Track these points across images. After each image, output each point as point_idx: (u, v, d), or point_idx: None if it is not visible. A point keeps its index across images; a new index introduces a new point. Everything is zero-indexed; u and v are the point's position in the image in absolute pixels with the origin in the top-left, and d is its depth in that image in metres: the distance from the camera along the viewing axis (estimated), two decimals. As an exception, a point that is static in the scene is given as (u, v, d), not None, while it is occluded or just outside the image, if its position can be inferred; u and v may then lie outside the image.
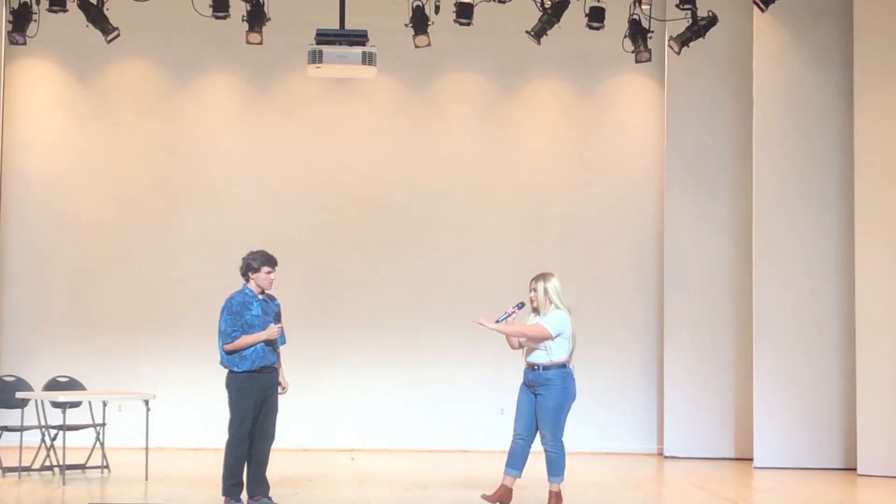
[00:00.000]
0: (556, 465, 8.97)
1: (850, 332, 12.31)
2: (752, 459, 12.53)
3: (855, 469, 11.99)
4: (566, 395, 8.95)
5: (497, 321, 9.09)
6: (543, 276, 9.06)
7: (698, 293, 13.40)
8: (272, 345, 8.98)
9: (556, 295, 8.99)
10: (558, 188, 13.87)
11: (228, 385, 8.93)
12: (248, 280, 9.01)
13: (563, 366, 8.95)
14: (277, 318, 9.01)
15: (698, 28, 12.05)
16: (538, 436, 9.02)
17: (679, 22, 12.07)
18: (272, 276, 9.00)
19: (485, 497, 8.98)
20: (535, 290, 9.02)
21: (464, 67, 13.89)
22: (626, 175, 13.91)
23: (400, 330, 13.65)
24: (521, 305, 9.09)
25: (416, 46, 12.22)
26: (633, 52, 12.22)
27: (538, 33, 12.20)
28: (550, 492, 9.00)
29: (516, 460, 9.06)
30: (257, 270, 8.96)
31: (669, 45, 12.42)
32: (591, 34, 12.22)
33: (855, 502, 10.17)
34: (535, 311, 9.03)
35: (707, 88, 13.50)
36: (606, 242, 13.83)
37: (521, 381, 9.10)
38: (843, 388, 12.41)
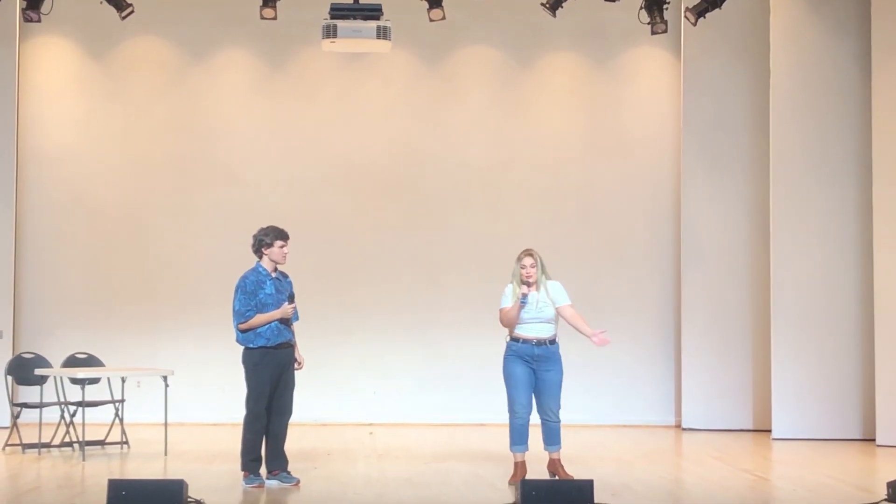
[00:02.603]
0: (557, 435, 9.17)
1: (869, 303, 12.28)
2: (770, 431, 12.52)
3: (874, 440, 11.97)
4: (562, 366, 9.16)
5: (523, 302, 9.03)
6: (532, 251, 9.13)
7: (715, 266, 13.37)
8: (286, 322, 9.00)
9: (543, 266, 9.11)
10: (574, 162, 13.83)
11: (245, 361, 8.96)
12: (261, 257, 9.02)
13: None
14: (291, 298, 9.02)
15: (714, -1, 11.98)
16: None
17: (695, -7, 12.02)
18: (285, 249, 9.02)
19: (511, 482, 9.00)
20: (532, 266, 9.04)
21: (479, 41, 13.84)
22: (643, 148, 13.86)
23: (417, 305, 13.66)
24: (526, 283, 9.07)
25: (431, 20, 12.18)
26: (648, 23, 12.16)
27: (553, 6, 12.14)
28: (553, 459, 9.17)
29: (523, 437, 9.19)
30: (270, 245, 8.98)
31: (686, 17, 12.35)
32: (606, 6, 12.16)
33: (874, 473, 10.15)
34: (526, 284, 9.02)
35: (724, 60, 13.42)
36: (623, 216, 13.80)
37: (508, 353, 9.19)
38: (862, 358, 12.38)
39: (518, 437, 9.14)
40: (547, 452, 9.23)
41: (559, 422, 9.15)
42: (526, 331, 9.07)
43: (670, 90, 13.82)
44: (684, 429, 13.23)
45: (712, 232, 13.38)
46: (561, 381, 9.11)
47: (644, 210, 13.81)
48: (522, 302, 9.02)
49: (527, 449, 9.16)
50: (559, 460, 9.19)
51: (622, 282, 13.61)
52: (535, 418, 9.21)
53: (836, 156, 12.53)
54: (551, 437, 9.15)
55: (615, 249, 13.72)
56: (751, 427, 13.21)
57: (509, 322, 9.14)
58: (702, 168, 13.40)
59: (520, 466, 9.12)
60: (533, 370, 9.08)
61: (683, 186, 13.45)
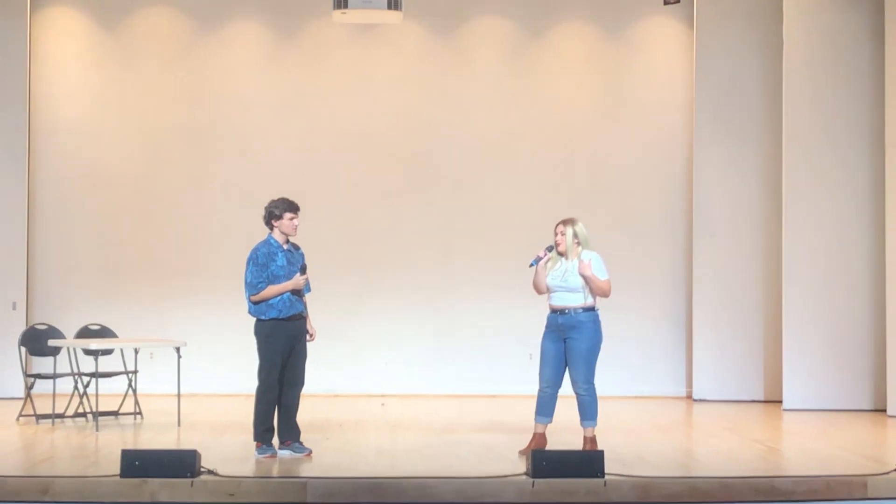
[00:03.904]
0: (589, 409, 8.98)
1: (880, 273, 12.26)
2: (781, 402, 12.53)
3: (885, 410, 11.98)
4: (597, 337, 8.97)
5: (531, 265, 9.08)
6: (570, 221, 9.04)
7: (727, 237, 13.35)
8: (298, 294, 9.02)
9: (585, 238, 8.98)
10: (586, 133, 13.81)
11: (257, 333, 8.98)
12: (272, 229, 9.03)
13: (593, 308, 8.96)
14: (303, 270, 9.03)
15: (727, -32, 11.92)
16: (566, 383, 9.04)
17: (707, -38, 11.96)
18: (295, 221, 9.02)
19: (521, 452, 8.97)
20: (562, 234, 9.00)
21: (490, 11, 13.79)
22: (655, 119, 13.83)
23: (428, 277, 13.68)
24: (550, 248, 9.09)
25: (442, -9, 12.13)
26: (661, -7, 12.11)
27: (565, -24, 12.09)
28: (585, 437, 9.03)
29: (546, 408, 9.09)
30: (280, 217, 8.98)
31: (698, -13, 12.29)
32: (618, -24, 12.11)
33: (885, 443, 10.15)
34: (561, 254, 9.02)
35: (737, 31, 13.36)
36: (635, 187, 13.78)
37: (544, 327, 9.10)
38: (873, 329, 12.37)
39: (539, 407, 9.10)
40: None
41: (587, 395, 8.92)
42: (553, 299, 9.03)
43: (683, 60, 13.77)
44: (695, 400, 13.25)
45: (724, 202, 13.36)
46: (588, 351, 8.89)
47: (656, 180, 13.79)
48: (532, 263, 9.04)
49: (549, 421, 9.10)
50: (589, 439, 9.00)
51: (634, 252, 13.60)
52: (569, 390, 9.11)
53: (849, 125, 12.48)
54: (581, 410, 8.98)
55: (627, 220, 13.71)
56: (762, 398, 13.22)
57: (534, 286, 9.14)
58: (714, 138, 13.36)
59: (537, 437, 9.09)
60: (564, 341, 9.01)
61: (695, 156, 13.42)
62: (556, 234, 9.05)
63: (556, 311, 9.02)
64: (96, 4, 13.57)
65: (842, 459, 9.01)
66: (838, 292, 12.44)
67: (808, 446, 9.86)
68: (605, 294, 8.99)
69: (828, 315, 12.42)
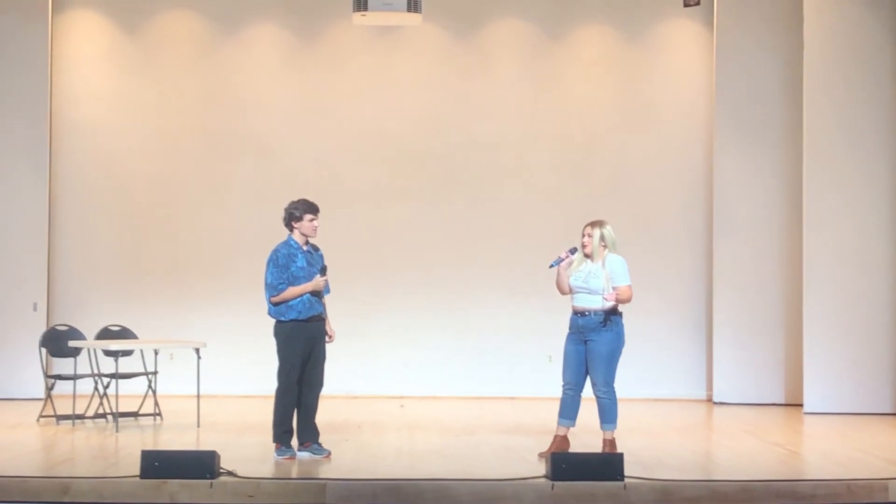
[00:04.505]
0: (608, 412, 8.95)
1: (902, 277, 12.23)
2: (801, 405, 12.49)
3: (906, 414, 11.95)
4: (618, 340, 8.93)
5: (551, 265, 9.08)
6: (599, 223, 9.01)
7: (747, 239, 13.31)
8: (318, 295, 9.03)
9: (612, 242, 8.95)
10: (606, 135, 13.79)
11: (276, 334, 9.00)
12: (292, 230, 9.04)
13: (615, 311, 8.93)
14: (323, 271, 9.04)
15: (747, -30, 11.90)
16: (588, 384, 9.02)
17: (728, -36, 11.93)
18: (315, 223, 9.03)
19: (541, 455, 8.93)
20: (589, 236, 8.97)
21: (510, 14, 13.79)
22: (675, 121, 13.80)
23: (447, 278, 13.68)
24: (573, 250, 9.07)
25: (462, -7, 12.14)
26: (681, -5, 12.10)
27: (585, -22, 12.09)
28: (604, 440, 8.99)
29: (568, 410, 9.07)
30: (300, 219, 8.99)
31: (718, -11, 12.27)
32: (638, -22, 12.09)
33: (906, 448, 10.11)
34: (588, 256, 8.99)
35: (756, 32, 13.32)
36: (655, 189, 13.75)
37: (567, 329, 9.09)
38: (894, 332, 12.31)
39: (562, 409, 9.08)
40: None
41: (607, 398, 8.89)
42: (575, 300, 9.00)
43: (702, 62, 13.74)
44: (715, 403, 13.21)
45: (744, 205, 13.32)
46: (608, 354, 8.85)
47: (676, 183, 13.76)
48: (552, 264, 9.04)
49: (571, 423, 9.08)
50: (608, 441, 8.96)
51: (654, 255, 13.57)
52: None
53: (869, 127, 12.43)
54: (601, 413, 8.95)
55: (647, 223, 13.69)
56: (782, 401, 13.18)
57: (557, 286, 9.12)
58: (734, 140, 13.32)
59: (558, 440, 9.06)
60: (585, 343, 9.00)
61: (715, 159, 13.38)
62: (583, 236, 9.03)
63: (577, 313, 9.01)
64: (117, 7, 13.62)
65: (863, 463, 8.97)
66: (858, 295, 12.39)
67: (829, 449, 9.81)
68: (626, 301, 8.93)
69: (848, 318, 12.37)
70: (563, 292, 9.13)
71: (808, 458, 9.53)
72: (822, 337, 12.35)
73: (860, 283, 12.40)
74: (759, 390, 13.20)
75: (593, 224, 9.02)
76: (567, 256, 9.05)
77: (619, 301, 8.89)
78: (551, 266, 9.11)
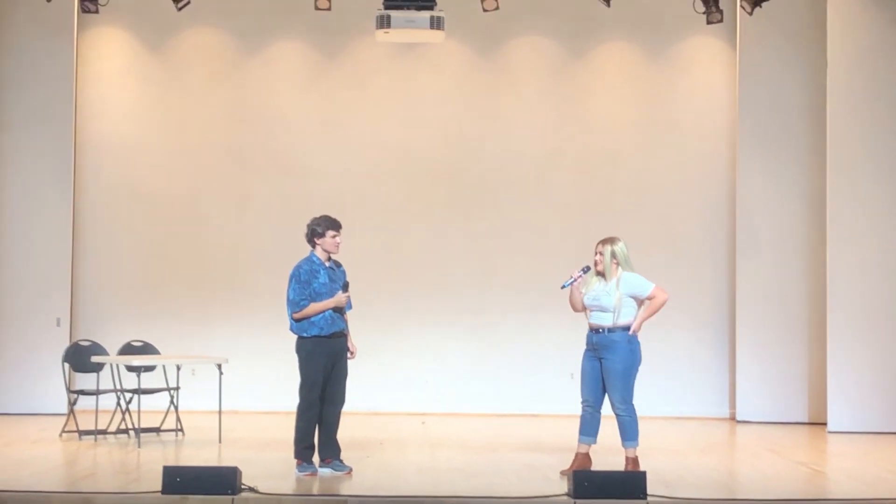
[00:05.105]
0: (629, 430, 8.92)
1: (927, 295, 12.16)
2: (825, 424, 12.41)
3: (931, 434, 11.87)
4: (633, 357, 8.90)
5: (563, 286, 9.09)
6: (610, 240, 9.01)
7: (770, 257, 13.26)
8: (340, 311, 9.03)
9: (624, 258, 8.94)
10: (628, 152, 13.77)
11: (298, 350, 9.00)
12: (314, 246, 9.05)
13: (627, 328, 8.90)
14: (345, 287, 9.04)
15: (771, -13, 11.87)
16: (607, 401, 8.99)
17: (751, -19, 11.91)
18: (338, 239, 9.04)
19: (563, 473, 8.91)
20: (601, 254, 8.97)
21: (532, 31, 13.80)
22: (698, 139, 13.77)
23: (469, 294, 13.67)
24: (586, 269, 9.07)
25: (485, 10, 12.16)
26: (704, 13, 12.08)
27: (608, -5, 12.10)
28: (627, 458, 8.96)
29: (588, 427, 9.04)
30: (322, 235, 9.00)
31: (741, 6, 12.25)
32: (661, -5, 12.08)
33: (931, 467, 10.04)
34: (601, 274, 8.98)
35: (780, 50, 13.29)
36: (678, 206, 13.72)
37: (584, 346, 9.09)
38: (919, 352, 12.26)
39: (582, 427, 9.06)
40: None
41: (626, 415, 8.85)
42: (590, 317, 9.01)
43: (726, 80, 13.72)
44: (739, 421, 13.15)
45: (768, 222, 13.27)
46: (623, 371, 8.82)
47: (699, 200, 13.73)
48: (564, 284, 9.06)
49: (592, 441, 9.05)
50: (631, 460, 8.92)
51: (677, 273, 13.52)
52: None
53: (893, 144, 12.39)
54: (622, 431, 8.92)
55: (669, 240, 13.66)
56: (806, 420, 13.10)
57: (570, 304, 9.14)
58: (758, 158, 13.28)
59: (580, 458, 9.04)
60: (600, 360, 8.98)
61: (739, 177, 13.35)
62: (595, 254, 9.03)
63: (592, 330, 9.01)
64: (142, 24, 13.69)
65: (888, 482, 8.92)
66: (883, 313, 12.32)
67: (854, 469, 9.74)
68: (664, 301, 8.89)
69: (873, 336, 12.31)
70: (576, 310, 9.15)
71: (834, 477, 9.46)
72: (847, 355, 12.28)
73: (885, 301, 12.33)
74: (782, 408, 13.13)
75: (605, 241, 9.02)
76: (579, 276, 9.05)
77: (659, 306, 8.87)
78: (563, 287, 9.12)
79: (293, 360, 9.04)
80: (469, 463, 9.73)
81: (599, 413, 9.04)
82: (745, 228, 13.30)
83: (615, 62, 13.86)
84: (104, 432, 11.01)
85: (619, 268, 8.93)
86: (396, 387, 13.57)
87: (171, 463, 9.23)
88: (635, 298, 8.91)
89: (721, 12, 12.05)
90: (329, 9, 12.04)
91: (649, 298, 8.90)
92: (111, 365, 11.24)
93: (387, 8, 11.37)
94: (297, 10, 13.34)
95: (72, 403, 11.27)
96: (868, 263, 12.36)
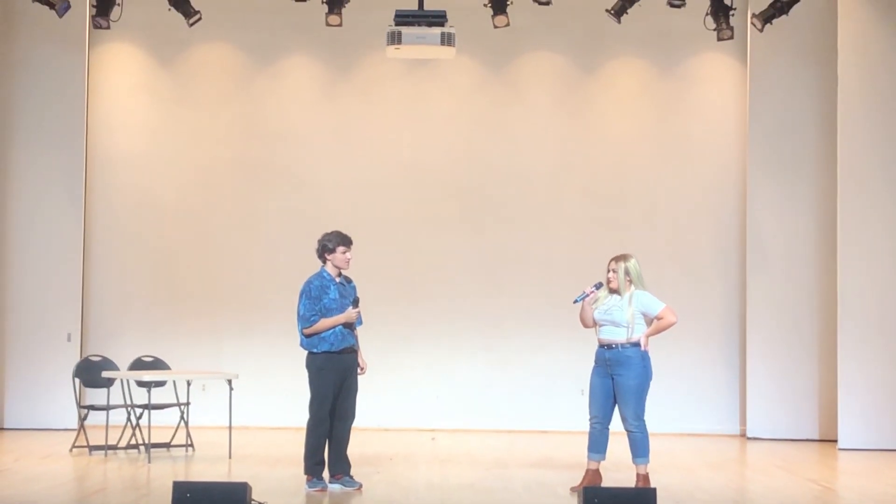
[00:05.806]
0: (640, 447, 8.91)
1: (938, 312, 12.12)
2: (836, 441, 12.37)
3: (943, 451, 11.82)
4: (645, 373, 8.90)
5: (575, 301, 9.10)
6: (623, 257, 9.02)
7: (781, 273, 13.24)
8: (350, 327, 9.04)
9: (637, 275, 8.94)
10: (639, 168, 13.77)
11: (309, 366, 9.01)
12: (324, 262, 9.07)
13: (638, 344, 8.89)
14: (356, 303, 9.05)
15: (782, 5, 11.89)
16: (616, 418, 8.98)
17: (762, -2, 11.92)
18: (348, 255, 9.06)
19: (573, 489, 8.90)
20: (614, 271, 8.98)
21: (543, 47, 13.82)
22: (708, 155, 13.77)
23: (479, 310, 13.66)
24: (598, 285, 9.07)
25: (495, 27, 12.18)
26: (714, 29, 12.08)
27: (618, 12, 12.12)
28: (638, 474, 8.95)
29: (597, 444, 9.03)
30: (333, 251, 9.02)
31: (752, 23, 12.26)
32: (671, 12, 12.07)
33: (942, 485, 10.01)
34: (614, 291, 8.98)
35: (791, 67, 13.29)
36: (688, 223, 13.71)
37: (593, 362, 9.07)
38: (931, 368, 12.22)
39: (591, 443, 9.05)
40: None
41: (638, 432, 8.85)
42: (601, 333, 9.00)
43: (736, 95, 13.72)
44: (749, 438, 13.11)
45: (778, 238, 13.26)
46: (636, 388, 8.81)
47: (709, 216, 13.72)
48: (576, 299, 9.06)
49: (601, 457, 9.04)
50: (642, 476, 8.91)
51: (687, 288, 13.51)
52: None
53: (905, 161, 12.39)
54: (633, 447, 8.92)
55: (679, 255, 13.64)
56: (816, 437, 13.06)
57: (580, 320, 9.13)
58: (768, 173, 13.27)
59: (590, 474, 9.03)
60: (612, 377, 8.97)
61: (749, 192, 13.34)
62: (608, 271, 9.02)
63: (603, 346, 9.00)
64: (153, 40, 13.73)
65: (899, 500, 8.89)
66: (894, 329, 12.29)
67: (864, 486, 9.72)
68: (674, 321, 8.88)
69: (884, 353, 12.27)
70: (586, 326, 9.14)
71: (844, 495, 9.44)
72: (858, 372, 12.25)
73: (896, 318, 12.31)
74: (793, 425, 13.09)
75: (618, 258, 9.02)
76: (592, 292, 9.05)
77: (667, 326, 8.86)
78: (576, 301, 9.11)
79: (303, 376, 9.05)
80: (479, 479, 9.72)
81: (608, 429, 9.04)
82: (756, 243, 13.28)
83: (626, 78, 13.87)
84: (114, 447, 11.02)
85: (632, 285, 8.92)
86: (407, 403, 13.56)
87: (182, 478, 9.23)
88: (645, 315, 8.91)
89: (732, 29, 12.05)
90: (340, 25, 12.08)
91: (658, 318, 8.89)
92: (121, 380, 11.25)
93: (398, 24, 11.39)
94: (308, 25, 13.37)
95: (82, 419, 11.28)
96: (879, 280, 12.33)
